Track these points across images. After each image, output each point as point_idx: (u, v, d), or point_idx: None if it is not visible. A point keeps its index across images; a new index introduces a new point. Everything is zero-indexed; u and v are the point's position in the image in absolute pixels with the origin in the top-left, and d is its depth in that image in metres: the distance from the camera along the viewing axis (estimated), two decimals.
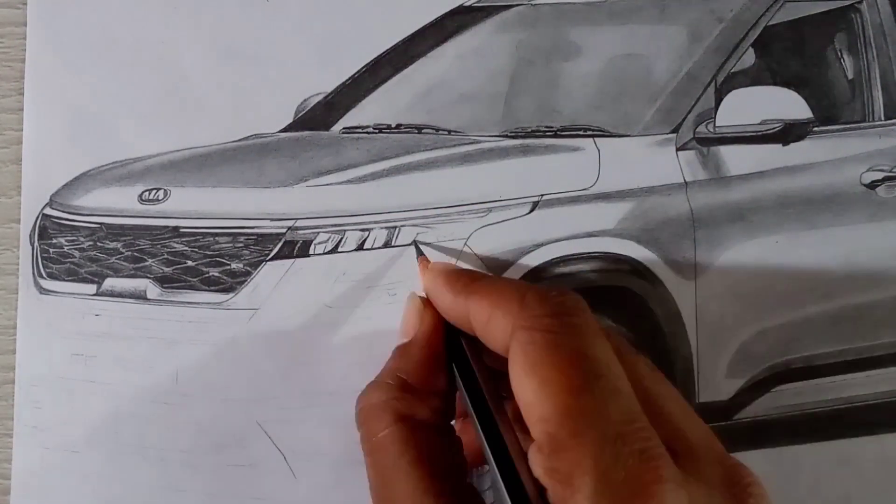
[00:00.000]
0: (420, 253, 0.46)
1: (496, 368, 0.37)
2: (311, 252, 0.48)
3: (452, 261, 0.46)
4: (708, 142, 0.50)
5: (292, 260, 0.48)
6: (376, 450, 0.36)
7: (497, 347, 0.35)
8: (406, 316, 0.41)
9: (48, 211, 0.51)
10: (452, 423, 0.40)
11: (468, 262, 0.47)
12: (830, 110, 0.50)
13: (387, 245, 0.48)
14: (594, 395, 0.31)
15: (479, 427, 0.35)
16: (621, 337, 0.38)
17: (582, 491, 0.30)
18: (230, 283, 0.49)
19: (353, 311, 0.47)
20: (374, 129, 0.51)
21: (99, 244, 0.50)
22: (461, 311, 0.38)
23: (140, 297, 0.49)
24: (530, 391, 0.32)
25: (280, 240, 0.49)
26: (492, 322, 0.35)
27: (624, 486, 0.30)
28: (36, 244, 0.51)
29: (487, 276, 0.41)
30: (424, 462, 0.35)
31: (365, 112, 0.51)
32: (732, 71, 0.50)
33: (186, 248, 0.49)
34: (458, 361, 0.39)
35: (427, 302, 0.41)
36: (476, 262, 0.47)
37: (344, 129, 0.51)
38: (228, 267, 0.49)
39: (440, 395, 0.39)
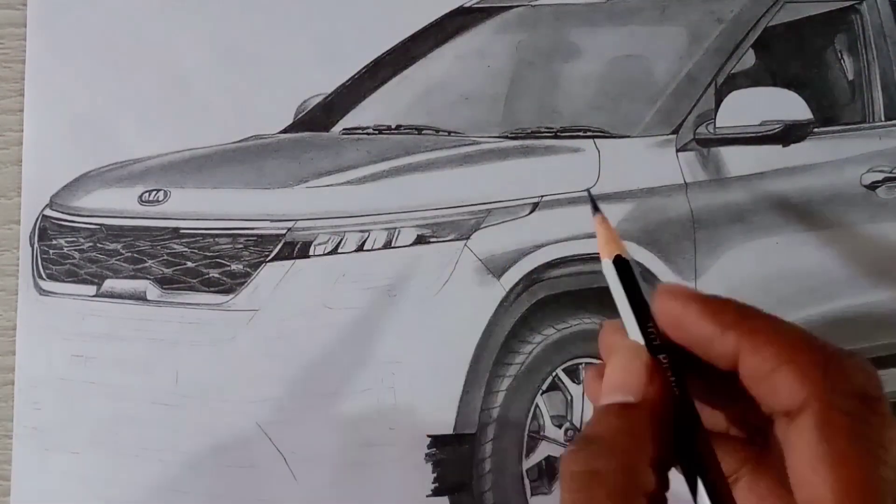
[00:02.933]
0: (597, 209, 0.35)
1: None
2: (310, 253, 0.48)
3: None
4: (708, 143, 0.50)
5: (292, 261, 0.48)
6: None
7: (772, 405, 0.31)
8: (625, 368, 0.33)
9: (48, 212, 0.51)
10: None
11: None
12: (830, 111, 0.50)
13: (387, 246, 0.48)
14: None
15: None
16: None
17: None
18: (230, 284, 0.49)
19: (353, 313, 0.47)
20: (374, 130, 0.51)
21: (99, 245, 0.50)
22: (726, 350, 0.31)
23: (140, 298, 0.49)
24: (826, 487, 0.28)
25: (280, 241, 0.49)
26: (776, 377, 0.30)
27: None
28: (36, 245, 0.51)
29: (757, 311, 0.33)
30: None
31: (365, 113, 0.52)
32: (733, 72, 0.50)
33: (186, 250, 0.49)
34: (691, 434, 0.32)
35: (654, 361, 0.33)
36: (476, 265, 0.47)
37: (344, 130, 0.52)
38: (228, 268, 0.49)
39: (663, 466, 0.32)
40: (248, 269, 0.49)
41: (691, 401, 0.32)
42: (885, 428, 0.30)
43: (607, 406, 0.33)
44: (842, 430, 0.29)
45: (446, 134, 0.50)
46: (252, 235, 0.49)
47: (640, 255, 0.48)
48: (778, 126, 0.49)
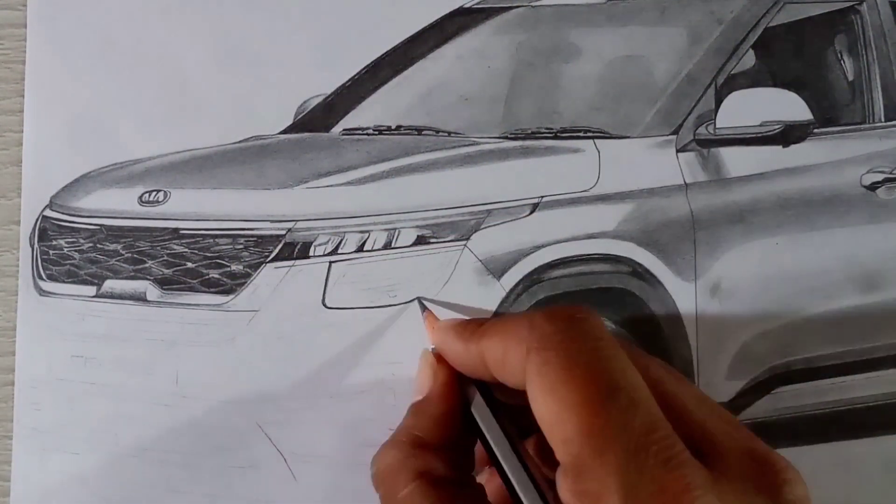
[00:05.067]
0: (424, 309, 0.46)
1: (517, 406, 0.37)
2: (310, 254, 0.48)
3: (457, 315, 0.45)
4: (708, 143, 0.50)
5: (292, 262, 0.48)
6: None
7: (515, 382, 0.35)
8: (419, 373, 0.41)
9: (48, 213, 0.51)
10: (474, 474, 0.40)
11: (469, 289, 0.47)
12: (830, 112, 0.50)
13: (387, 247, 0.48)
14: (614, 411, 0.31)
15: (504, 464, 0.35)
16: (630, 341, 0.38)
17: None
18: (230, 284, 0.49)
19: (353, 313, 0.47)
20: (375, 130, 0.51)
21: (99, 246, 0.50)
22: (475, 358, 0.38)
23: (140, 298, 0.49)
24: (551, 413, 0.32)
25: (280, 241, 0.49)
26: (506, 356, 0.35)
27: (652, 501, 0.30)
28: (36, 246, 0.51)
29: (497, 318, 0.40)
30: None
31: (365, 113, 0.52)
32: (733, 72, 0.50)
33: (186, 250, 0.49)
34: (476, 409, 0.38)
35: (440, 357, 0.40)
36: (478, 265, 0.47)
37: (344, 130, 0.52)
38: (228, 269, 0.49)
39: (458, 448, 0.39)
40: (248, 270, 0.49)
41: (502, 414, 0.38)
42: (595, 347, 0.33)
43: (409, 407, 0.40)
44: (551, 363, 0.33)
45: (446, 134, 0.50)
46: (252, 236, 0.49)
47: (640, 255, 0.48)
48: (778, 126, 0.49)
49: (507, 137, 0.50)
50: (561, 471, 0.32)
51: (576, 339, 0.33)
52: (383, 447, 0.39)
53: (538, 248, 0.48)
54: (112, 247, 0.50)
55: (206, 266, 0.49)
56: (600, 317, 0.35)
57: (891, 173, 0.49)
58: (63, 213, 0.51)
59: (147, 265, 0.50)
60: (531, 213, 0.48)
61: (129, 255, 0.50)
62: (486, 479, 0.40)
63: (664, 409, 0.32)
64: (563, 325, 0.34)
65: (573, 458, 0.31)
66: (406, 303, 0.47)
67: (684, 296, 0.48)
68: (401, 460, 0.37)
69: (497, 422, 0.37)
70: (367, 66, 0.51)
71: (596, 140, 0.49)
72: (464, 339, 0.38)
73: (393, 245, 0.48)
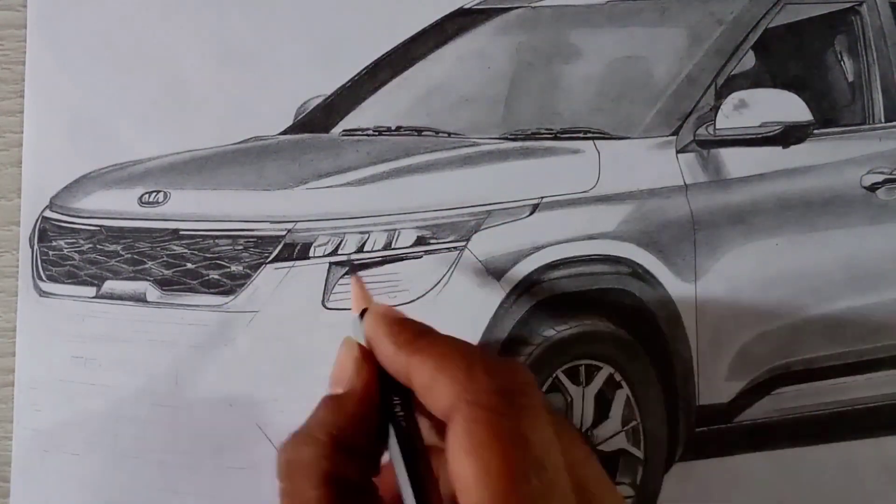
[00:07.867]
0: (351, 272, 0.41)
1: (431, 422, 0.36)
2: (310, 254, 0.48)
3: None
4: (708, 144, 0.50)
5: (292, 262, 0.48)
6: None
7: (437, 411, 0.33)
8: (341, 364, 0.37)
9: (48, 213, 0.51)
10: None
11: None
12: (830, 113, 0.50)
13: (386, 247, 0.48)
14: (532, 490, 0.30)
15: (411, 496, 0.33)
16: (561, 414, 0.38)
17: None
18: (230, 285, 0.49)
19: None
20: (374, 131, 0.51)
21: (99, 247, 0.50)
22: (402, 367, 0.35)
23: (140, 299, 0.49)
24: (469, 473, 0.30)
25: (280, 242, 0.49)
26: (435, 387, 0.33)
27: None
28: (36, 247, 0.51)
29: (433, 331, 0.37)
30: None
31: (365, 114, 0.52)
32: (733, 73, 0.50)
33: (186, 251, 0.49)
34: (392, 420, 0.35)
35: (365, 352, 0.37)
36: (476, 266, 0.47)
37: (344, 131, 0.52)
38: (228, 269, 0.49)
39: (371, 453, 0.36)
40: (248, 271, 0.49)
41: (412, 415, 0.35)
42: (527, 418, 0.32)
43: (323, 398, 0.36)
44: (480, 422, 0.31)
45: (446, 135, 0.50)
46: (252, 237, 0.49)
47: (640, 256, 0.48)
48: (778, 127, 0.49)
49: (507, 138, 0.50)
50: None
51: (511, 405, 0.32)
52: (293, 438, 0.35)
53: (538, 248, 0.48)
54: (112, 247, 0.50)
55: (205, 267, 0.49)
56: (535, 382, 0.33)
57: (891, 174, 0.49)
58: (63, 214, 0.51)
59: (147, 266, 0.50)
60: (531, 213, 0.48)
61: (129, 255, 0.50)
62: (380, 478, 0.37)
63: (576, 493, 0.32)
64: (500, 384, 0.32)
65: None
66: (406, 303, 0.47)
67: (684, 296, 0.48)
68: (313, 458, 0.34)
69: (412, 442, 0.34)
70: (367, 66, 0.51)
71: (596, 141, 0.49)
72: (395, 343, 0.35)
73: (393, 246, 0.48)
